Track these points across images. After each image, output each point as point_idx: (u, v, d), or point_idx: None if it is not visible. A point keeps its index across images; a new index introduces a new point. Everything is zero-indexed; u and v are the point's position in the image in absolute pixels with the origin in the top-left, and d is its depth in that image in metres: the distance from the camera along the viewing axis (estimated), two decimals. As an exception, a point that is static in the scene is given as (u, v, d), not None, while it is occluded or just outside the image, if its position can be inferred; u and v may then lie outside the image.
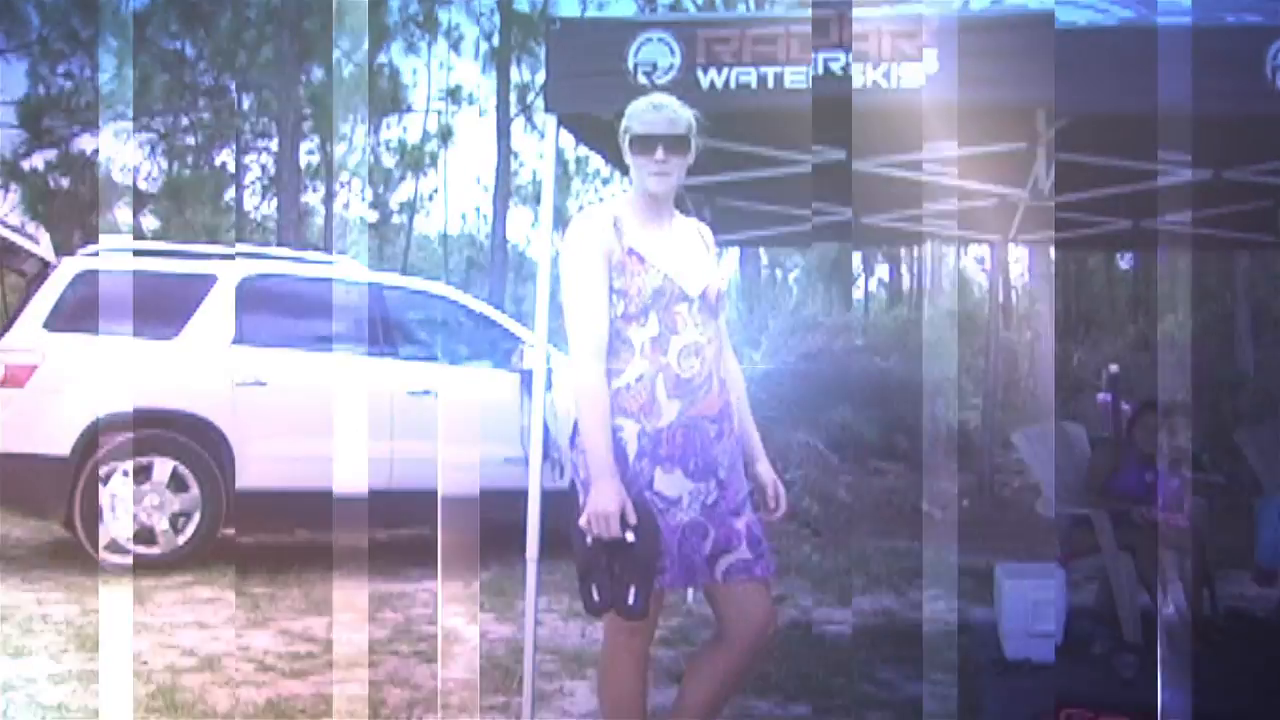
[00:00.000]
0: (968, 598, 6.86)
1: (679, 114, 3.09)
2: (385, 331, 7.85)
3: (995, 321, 14.96)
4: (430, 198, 29.31)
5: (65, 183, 16.04)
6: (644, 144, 3.07)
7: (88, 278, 7.27)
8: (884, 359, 14.97)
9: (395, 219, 28.59)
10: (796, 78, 3.72)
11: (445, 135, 27.54)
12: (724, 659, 3.13)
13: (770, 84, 3.73)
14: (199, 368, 7.33)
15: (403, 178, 27.82)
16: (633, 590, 2.95)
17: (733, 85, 3.76)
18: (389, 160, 26.92)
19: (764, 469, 3.29)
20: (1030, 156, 5.51)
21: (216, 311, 7.45)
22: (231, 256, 7.96)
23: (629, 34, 3.82)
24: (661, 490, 3.01)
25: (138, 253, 7.81)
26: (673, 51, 3.79)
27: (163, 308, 7.33)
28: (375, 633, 5.75)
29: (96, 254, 7.60)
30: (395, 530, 8.78)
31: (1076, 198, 6.09)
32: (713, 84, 3.76)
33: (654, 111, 3.08)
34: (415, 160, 27.35)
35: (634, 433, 3.02)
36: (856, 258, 31.05)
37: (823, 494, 11.80)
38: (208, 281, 7.51)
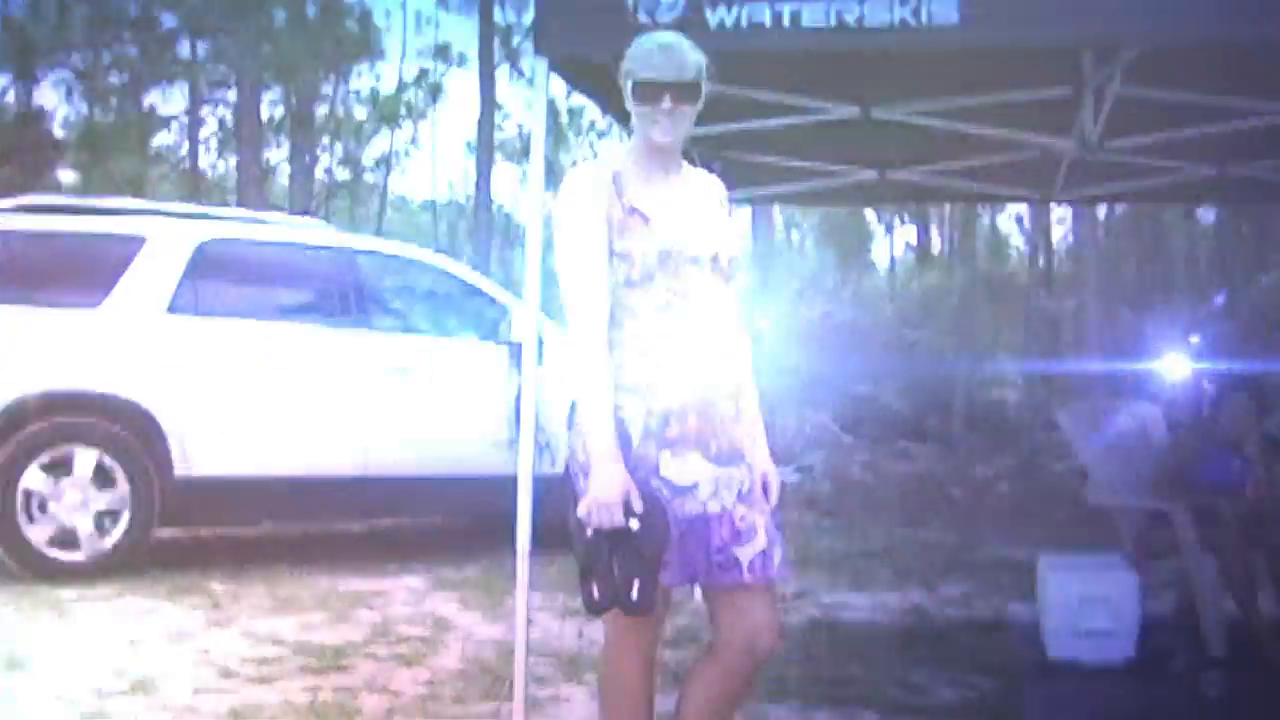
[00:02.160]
0: (1006, 593, 6.88)
1: (689, 57, 3.03)
2: (359, 300, 7.80)
3: (1036, 287, 14.97)
4: (405, 153, 29.31)
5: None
6: (649, 91, 3.01)
7: None
8: (913, 329, 15.01)
9: (368, 177, 28.59)
10: (815, 16, 3.69)
11: (431, 90, 27.45)
12: (718, 670, 3.07)
13: (786, 22, 3.70)
14: (122, 342, 6.95)
15: (376, 131, 27.80)
16: (637, 585, 2.91)
17: (744, 24, 3.72)
18: (360, 113, 26.90)
19: (762, 456, 3.20)
20: (1076, 103, 5.48)
21: (146, 277, 7.08)
22: (162, 214, 7.71)
23: (629, -34, 3.79)
24: (670, 477, 2.96)
25: (52, 209, 7.36)
26: (677, -15, 3.76)
27: (82, 273, 6.99)
28: (350, 634, 5.77)
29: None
30: (373, 521, 8.81)
31: (1133, 143, 6.01)
32: (722, 22, 3.73)
33: (661, 54, 3.02)
34: (389, 112, 27.33)
35: (639, 412, 2.98)
36: (873, 217, 30.99)
37: (839, 476, 11.87)
38: (135, 243, 7.15)
